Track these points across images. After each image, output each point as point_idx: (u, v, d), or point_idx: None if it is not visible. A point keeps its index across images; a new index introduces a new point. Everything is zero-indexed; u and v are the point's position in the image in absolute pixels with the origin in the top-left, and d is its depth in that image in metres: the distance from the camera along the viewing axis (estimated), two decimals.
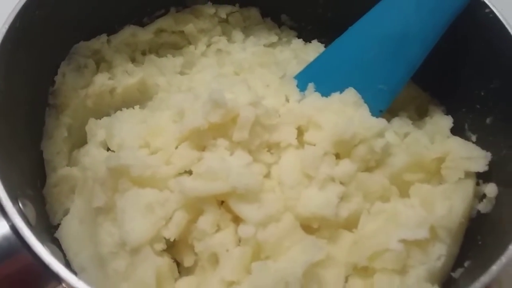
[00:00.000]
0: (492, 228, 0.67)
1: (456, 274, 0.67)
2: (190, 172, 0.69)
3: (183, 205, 0.66)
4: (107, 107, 0.85)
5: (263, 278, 0.59)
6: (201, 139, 0.70)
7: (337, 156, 0.71)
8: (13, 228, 0.53)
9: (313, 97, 0.79)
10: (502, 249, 0.54)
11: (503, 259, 0.52)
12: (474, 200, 0.72)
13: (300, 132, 0.73)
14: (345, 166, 0.70)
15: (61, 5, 0.74)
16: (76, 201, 0.74)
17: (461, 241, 0.71)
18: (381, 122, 0.72)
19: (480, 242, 0.68)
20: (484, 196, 0.71)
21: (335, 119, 0.72)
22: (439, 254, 0.66)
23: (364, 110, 0.74)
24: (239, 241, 0.66)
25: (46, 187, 0.75)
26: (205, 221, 0.65)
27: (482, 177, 0.72)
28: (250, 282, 0.60)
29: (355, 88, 0.77)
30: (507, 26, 0.70)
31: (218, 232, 0.66)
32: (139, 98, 0.88)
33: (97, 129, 0.80)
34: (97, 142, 0.78)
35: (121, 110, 0.82)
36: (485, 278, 0.51)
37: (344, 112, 0.74)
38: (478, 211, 0.71)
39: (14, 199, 0.54)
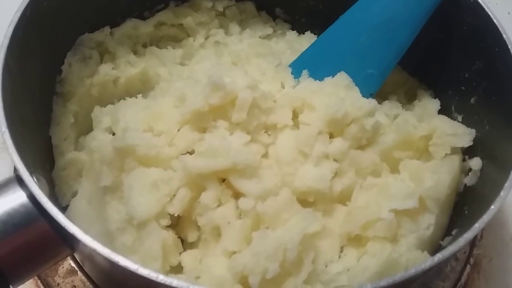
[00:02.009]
0: (477, 198, 0.71)
1: (444, 243, 0.71)
2: (192, 153, 0.72)
3: (186, 182, 0.70)
4: (111, 96, 0.89)
5: (263, 245, 0.62)
6: (202, 121, 0.74)
7: (331, 135, 0.75)
8: (31, 197, 0.56)
9: (307, 82, 0.83)
10: (484, 212, 0.58)
11: (485, 218, 0.56)
12: (461, 175, 0.76)
13: (295, 114, 0.77)
14: (338, 144, 0.74)
15: None
16: (83, 183, 0.77)
17: (450, 212, 0.75)
18: (371, 102, 0.76)
19: (466, 212, 0.72)
20: (469, 170, 0.75)
21: (328, 100, 0.76)
22: (428, 223, 0.70)
23: (355, 92, 0.78)
24: (240, 215, 0.70)
25: (54, 170, 0.79)
26: (207, 197, 0.69)
27: (468, 153, 0.76)
28: (251, 249, 0.63)
29: (346, 73, 0.81)
30: (487, 10, 0.74)
31: (220, 206, 0.70)
32: (141, 88, 0.91)
33: (103, 116, 0.83)
34: (102, 128, 0.82)
35: (124, 99, 0.86)
36: (468, 235, 0.55)
37: (336, 94, 0.78)
38: (465, 185, 0.75)
39: (30, 172, 0.57)
